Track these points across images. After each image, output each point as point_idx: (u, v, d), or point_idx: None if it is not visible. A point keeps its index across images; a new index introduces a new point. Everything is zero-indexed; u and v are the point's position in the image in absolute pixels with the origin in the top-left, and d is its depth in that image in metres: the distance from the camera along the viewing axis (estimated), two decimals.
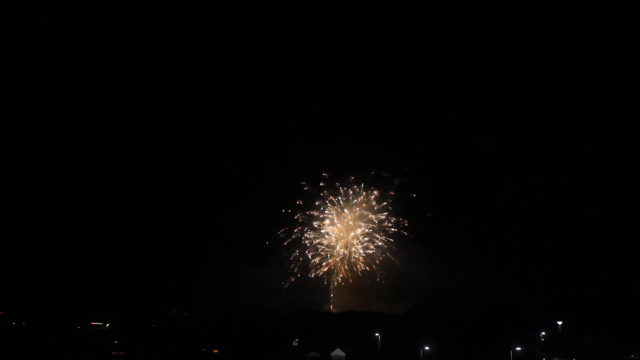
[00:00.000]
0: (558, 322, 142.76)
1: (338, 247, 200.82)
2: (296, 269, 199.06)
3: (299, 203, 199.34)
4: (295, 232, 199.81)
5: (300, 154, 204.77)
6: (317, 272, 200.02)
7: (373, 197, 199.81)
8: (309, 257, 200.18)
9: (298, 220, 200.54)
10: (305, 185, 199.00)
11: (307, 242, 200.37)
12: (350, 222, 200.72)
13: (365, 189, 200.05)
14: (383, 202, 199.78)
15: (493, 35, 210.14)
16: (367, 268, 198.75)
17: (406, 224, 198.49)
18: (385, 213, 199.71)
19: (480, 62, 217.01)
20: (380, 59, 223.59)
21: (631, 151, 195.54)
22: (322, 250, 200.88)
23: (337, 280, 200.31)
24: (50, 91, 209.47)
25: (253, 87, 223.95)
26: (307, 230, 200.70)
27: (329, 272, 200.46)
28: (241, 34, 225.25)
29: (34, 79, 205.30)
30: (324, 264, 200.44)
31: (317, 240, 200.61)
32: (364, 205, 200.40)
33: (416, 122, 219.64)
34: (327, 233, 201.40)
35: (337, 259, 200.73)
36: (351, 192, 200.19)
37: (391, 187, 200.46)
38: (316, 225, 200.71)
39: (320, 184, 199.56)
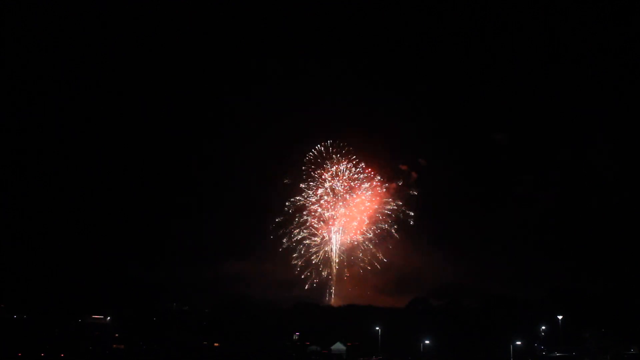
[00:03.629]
0: (558, 317, 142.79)
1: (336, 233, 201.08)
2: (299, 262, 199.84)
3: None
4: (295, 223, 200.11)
5: (304, 146, 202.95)
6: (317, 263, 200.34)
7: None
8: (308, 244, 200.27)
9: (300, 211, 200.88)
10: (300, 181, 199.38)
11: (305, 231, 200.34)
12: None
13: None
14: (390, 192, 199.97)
15: (513, 27, 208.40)
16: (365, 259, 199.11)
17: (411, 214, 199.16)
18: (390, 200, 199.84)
19: (498, 55, 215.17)
20: (399, 52, 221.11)
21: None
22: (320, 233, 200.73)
23: (335, 267, 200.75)
24: (46, 91, 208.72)
25: (258, 83, 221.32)
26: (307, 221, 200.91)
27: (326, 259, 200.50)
28: (242, 28, 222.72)
29: (30, 78, 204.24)
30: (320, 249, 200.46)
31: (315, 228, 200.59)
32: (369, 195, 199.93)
33: (432, 115, 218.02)
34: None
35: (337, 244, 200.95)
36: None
37: (408, 180, 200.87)
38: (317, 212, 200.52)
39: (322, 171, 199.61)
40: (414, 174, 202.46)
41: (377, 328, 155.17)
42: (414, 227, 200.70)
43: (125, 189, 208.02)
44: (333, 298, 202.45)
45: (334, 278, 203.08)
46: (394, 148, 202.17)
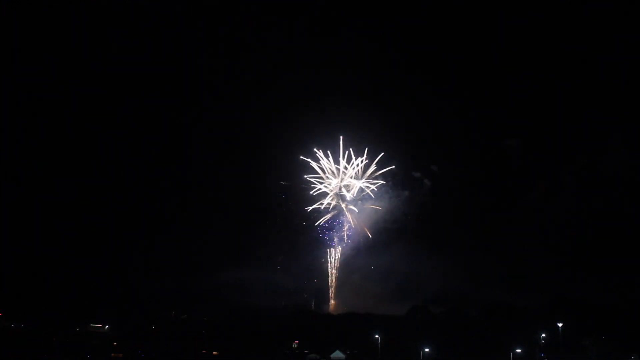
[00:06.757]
0: (558, 324, 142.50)
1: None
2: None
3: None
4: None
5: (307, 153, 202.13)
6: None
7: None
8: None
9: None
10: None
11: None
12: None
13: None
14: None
15: (525, 32, 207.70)
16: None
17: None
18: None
19: (512, 60, 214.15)
20: (412, 57, 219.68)
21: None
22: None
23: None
24: (43, 91, 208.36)
25: (264, 90, 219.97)
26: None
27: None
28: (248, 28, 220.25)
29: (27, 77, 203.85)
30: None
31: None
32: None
33: (441, 121, 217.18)
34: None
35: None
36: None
37: (421, 188, 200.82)
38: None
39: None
40: (427, 182, 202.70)
41: (377, 336, 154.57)
42: (415, 234, 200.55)
43: (124, 197, 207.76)
44: (332, 306, 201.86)
45: (334, 285, 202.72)
46: (406, 155, 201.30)
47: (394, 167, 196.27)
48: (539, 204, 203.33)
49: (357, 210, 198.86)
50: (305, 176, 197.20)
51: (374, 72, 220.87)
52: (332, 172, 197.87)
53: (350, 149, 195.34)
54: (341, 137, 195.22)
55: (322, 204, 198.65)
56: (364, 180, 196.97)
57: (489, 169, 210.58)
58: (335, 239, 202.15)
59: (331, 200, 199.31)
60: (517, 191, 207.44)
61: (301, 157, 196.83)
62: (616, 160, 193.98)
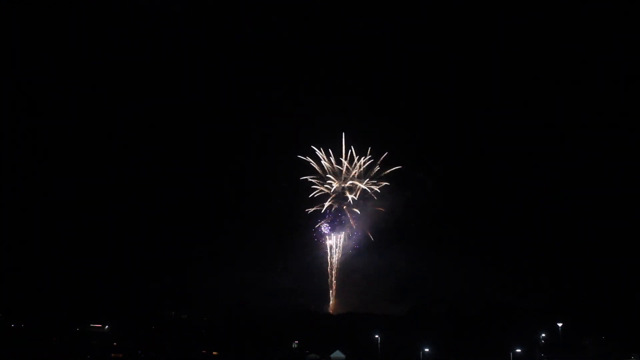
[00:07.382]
0: (558, 324, 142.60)
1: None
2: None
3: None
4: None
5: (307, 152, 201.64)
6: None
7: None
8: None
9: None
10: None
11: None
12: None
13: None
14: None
15: (525, 32, 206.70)
16: None
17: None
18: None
19: (514, 60, 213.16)
20: (413, 58, 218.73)
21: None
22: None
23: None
24: (44, 92, 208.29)
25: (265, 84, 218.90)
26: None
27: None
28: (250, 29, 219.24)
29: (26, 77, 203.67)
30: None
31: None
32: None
33: (445, 121, 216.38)
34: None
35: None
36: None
37: (424, 187, 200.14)
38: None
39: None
40: (428, 182, 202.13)
41: (377, 336, 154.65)
42: (416, 234, 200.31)
43: (124, 197, 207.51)
44: (332, 306, 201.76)
45: (334, 285, 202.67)
46: (408, 154, 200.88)
47: (400, 167, 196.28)
48: (539, 204, 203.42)
49: (359, 212, 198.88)
50: (306, 177, 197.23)
51: (373, 72, 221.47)
52: (334, 173, 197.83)
53: (352, 147, 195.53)
54: (343, 134, 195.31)
55: (323, 205, 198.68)
56: (367, 180, 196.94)
57: (490, 169, 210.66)
58: (336, 240, 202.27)
59: (332, 201, 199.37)
60: (517, 191, 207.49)
61: (300, 156, 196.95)
62: (617, 159, 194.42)
